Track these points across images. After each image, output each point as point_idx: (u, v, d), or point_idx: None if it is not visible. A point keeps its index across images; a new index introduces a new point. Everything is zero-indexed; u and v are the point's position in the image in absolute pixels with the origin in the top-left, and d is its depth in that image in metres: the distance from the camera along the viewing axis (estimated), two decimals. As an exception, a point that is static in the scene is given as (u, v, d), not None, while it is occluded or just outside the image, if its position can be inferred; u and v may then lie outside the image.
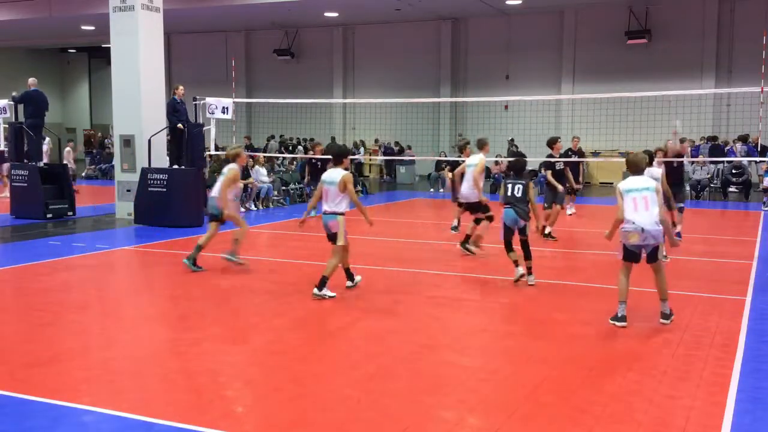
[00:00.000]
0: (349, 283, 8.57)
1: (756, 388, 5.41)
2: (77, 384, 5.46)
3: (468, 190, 11.25)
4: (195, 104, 16.32)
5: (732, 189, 21.12)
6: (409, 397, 5.18)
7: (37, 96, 15.79)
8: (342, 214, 8.09)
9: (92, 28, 29.23)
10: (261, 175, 18.17)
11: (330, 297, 8.02)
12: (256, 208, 17.45)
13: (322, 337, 6.75)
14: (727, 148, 22.59)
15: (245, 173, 17.41)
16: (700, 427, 4.72)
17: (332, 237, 8.15)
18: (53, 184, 15.32)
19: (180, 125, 14.80)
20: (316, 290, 8.00)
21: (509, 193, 8.87)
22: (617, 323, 7.00)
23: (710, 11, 25.14)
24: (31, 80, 15.97)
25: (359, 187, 22.18)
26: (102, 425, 4.70)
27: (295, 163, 22.30)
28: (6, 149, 16.41)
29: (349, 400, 5.14)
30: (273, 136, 29.72)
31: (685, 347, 6.38)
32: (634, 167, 7.28)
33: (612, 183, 24.97)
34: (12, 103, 16.28)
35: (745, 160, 20.00)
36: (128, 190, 14.99)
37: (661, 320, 7.14)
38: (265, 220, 15.67)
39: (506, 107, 26.15)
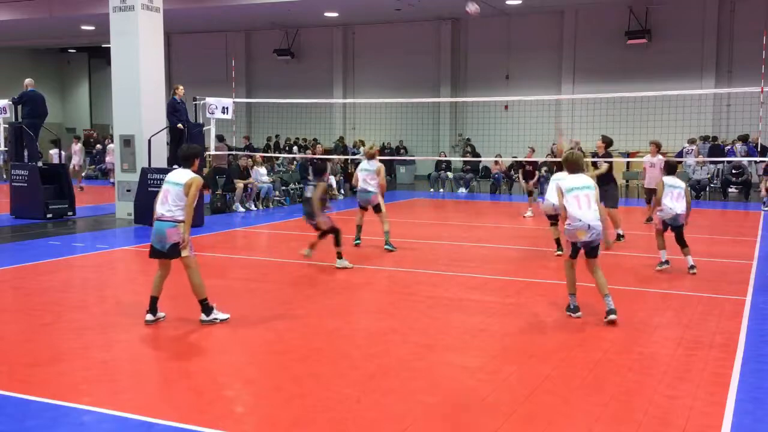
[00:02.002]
0: (202, 317, 7.11)
1: (756, 388, 5.41)
2: (77, 384, 5.46)
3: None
4: (195, 104, 16.33)
5: (732, 189, 21.12)
6: (409, 397, 5.18)
7: (34, 96, 15.79)
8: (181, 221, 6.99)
9: (92, 28, 29.21)
10: (261, 175, 18.18)
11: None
12: (256, 208, 17.46)
13: (322, 337, 6.74)
14: (727, 148, 22.60)
15: (245, 173, 17.43)
16: (700, 427, 4.72)
17: (172, 250, 6.98)
18: (53, 184, 15.33)
19: (180, 125, 14.81)
20: (203, 316, 7.05)
21: None
22: (572, 314, 7.27)
23: (710, 11, 25.14)
24: (28, 80, 15.97)
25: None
26: (102, 425, 4.70)
27: (295, 162, 22.30)
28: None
29: (349, 400, 5.14)
30: (270, 138, 29.73)
31: (685, 347, 6.38)
32: (574, 166, 7.34)
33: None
34: (12, 103, 16.29)
35: (745, 160, 20.00)
36: (128, 190, 14.99)
37: (610, 317, 7.05)
38: (265, 220, 15.67)
39: (506, 107, 26.16)
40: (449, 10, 27.33)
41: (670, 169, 10.11)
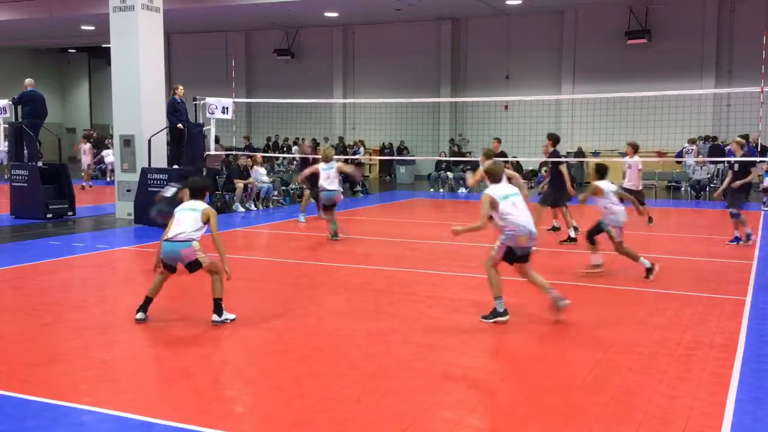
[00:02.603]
0: (214, 317, 7.15)
1: (756, 388, 5.41)
2: (77, 384, 5.46)
3: None
4: (195, 104, 16.33)
5: (732, 189, 21.08)
6: (409, 396, 5.18)
7: (34, 96, 15.80)
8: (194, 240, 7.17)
9: (92, 28, 29.22)
10: (261, 175, 18.18)
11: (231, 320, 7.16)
12: (256, 208, 17.46)
13: (322, 337, 6.74)
14: (728, 148, 22.57)
15: (245, 173, 17.43)
16: (700, 427, 4.72)
17: (195, 264, 7.13)
18: (53, 184, 15.32)
19: (180, 125, 14.81)
20: (215, 317, 7.09)
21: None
22: (500, 319, 7.04)
23: (710, 11, 25.14)
24: (28, 80, 15.97)
25: (359, 187, 22.19)
26: (102, 425, 4.70)
27: (295, 162, 22.30)
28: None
29: (349, 399, 5.14)
30: (270, 137, 29.73)
31: (685, 347, 6.38)
32: (497, 176, 7.30)
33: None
34: (12, 103, 16.28)
35: (745, 160, 19.95)
36: (128, 190, 14.99)
37: (560, 304, 7.07)
38: (265, 220, 15.67)
39: (506, 107, 26.16)
40: (449, 10, 27.34)
41: (603, 172, 9.75)
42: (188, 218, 7.12)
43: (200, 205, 7.27)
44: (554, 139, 13.39)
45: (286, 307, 7.93)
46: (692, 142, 22.25)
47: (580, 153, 25.16)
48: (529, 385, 5.44)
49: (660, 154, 24.04)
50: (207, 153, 16.61)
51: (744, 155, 12.91)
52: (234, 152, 19.19)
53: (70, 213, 15.25)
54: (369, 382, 5.53)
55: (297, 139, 29.87)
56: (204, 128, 16.17)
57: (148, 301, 7.17)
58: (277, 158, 23.29)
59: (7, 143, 16.15)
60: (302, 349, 6.36)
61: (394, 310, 7.75)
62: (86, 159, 24.08)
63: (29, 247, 11.68)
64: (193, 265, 7.12)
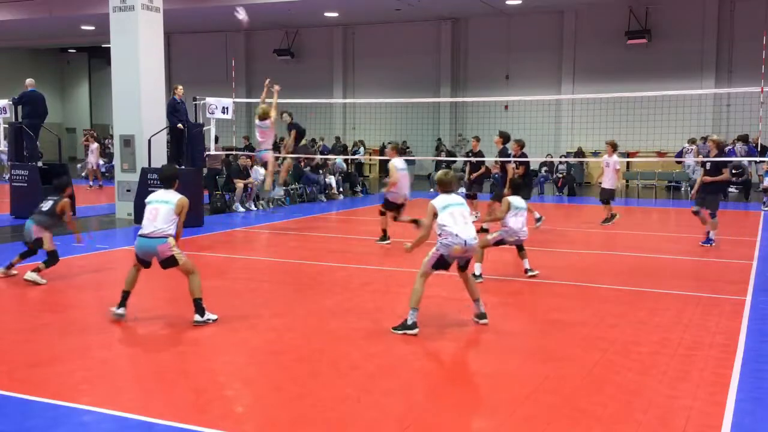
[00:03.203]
0: (121, 310, 7.15)
1: (756, 388, 5.41)
2: (77, 384, 5.46)
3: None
4: (195, 104, 16.33)
5: (732, 189, 21.11)
6: (409, 397, 5.18)
7: (34, 96, 15.79)
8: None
9: (92, 28, 29.23)
10: (260, 175, 18.17)
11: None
12: (256, 208, 17.45)
13: (322, 337, 6.74)
14: (728, 148, 22.57)
15: (245, 173, 17.43)
16: (700, 427, 4.72)
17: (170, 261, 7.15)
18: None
19: (180, 125, 14.80)
20: (197, 317, 7.04)
21: None
22: (408, 332, 6.66)
23: (710, 11, 25.15)
24: (29, 81, 15.97)
25: (359, 187, 22.18)
26: (102, 425, 4.70)
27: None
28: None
29: (349, 399, 5.14)
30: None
31: (685, 347, 6.38)
32: (447, 186, 7.14)
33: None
34: (12, 103, 16.29)
35: (745, 160, 20.00)
36: (128, 190, 14.99)
37: (481, 321, 7.06)
38: (265, 220, 15.67)
39: (506, 107, 26.16)
40: (449, 10, 27.35)
41: (515, 188, 9.70)
42: (162, 212, 7.05)
43: (173, 197, 7.18)
44: (505, 137, 13.73)
45: (286, 307, 7.93)
46: (692, 142, 22.25)
47: (580, 153, 25.18)
48: (529, 385, 5.43)
49: (660, 154, 24.05)
50: (207, 153, 16.62)
51: (745, 155, 12.91)
52: (234, 152, 19.18)
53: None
54: (369, 382, 5.53)
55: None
56: (204, 128, 16.16)
57: (125, 294, 7.16)
58: (277, 158, 23.25)
59: (7, 143, 16.15)
60: (302, 349, 6.36)
61: (394, 310, 7.74)
62: (93, 159, 24.18)
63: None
64: (168, 262, 7.10)
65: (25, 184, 15.09)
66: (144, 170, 14.49)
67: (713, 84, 24.79)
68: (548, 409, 4.99)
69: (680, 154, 22.77)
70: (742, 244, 12.43)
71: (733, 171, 20.72)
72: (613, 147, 14.90)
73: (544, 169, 23.73)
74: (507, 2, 25.15)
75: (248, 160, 17.94)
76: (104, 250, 11.45)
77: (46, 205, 9.06)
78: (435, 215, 6.94)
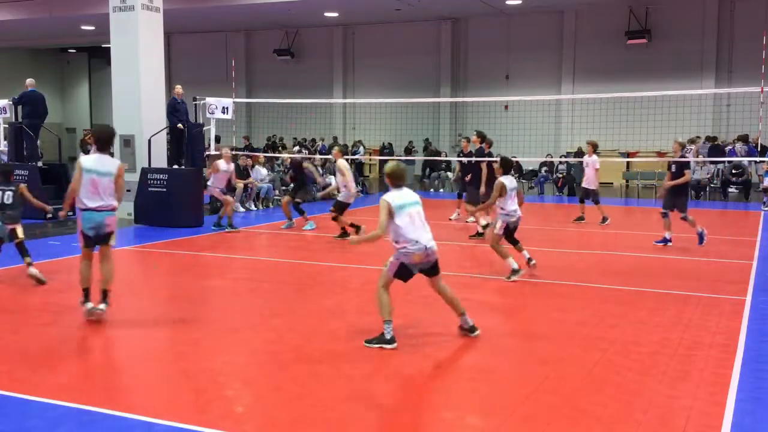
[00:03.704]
0: (102, 306, 7.02)
1: (756, 388, 5.41)
2: (77, 384, 5.46)
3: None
4: (195, 104, 16.33)
5: (732, 189, 21.12)
6: (409, 397, 5.18)
7: (34, 96, 15.79)
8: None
9: (92, 28, 29.22)
10: (261, 175, 18.17)
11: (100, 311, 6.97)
12: (256, 208, 17.45)
13: (322, 337, 6.74)
14: (728, 148, 22.60)
15: (245, 173, 17.42)
16: (700, 427, 4.72)
17: (105, 237, 7.06)
18: (53, 184, 15.31)
19: (180, 125, 14.81)
20: (102, 306, 6.98)
21: None
22: (386, 346, 6.20)
23: (710, 11, 25.15)
24: (29, 81, 15.98)
25: (359, 187, 22.17)
26: (102, 425, 4.70)
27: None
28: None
29: (349, 399, 5.13)
30: (270, 137, 29.70)
31: (685, 347, 6.38)
32: (399, 179, 6.53)
33: (612, 183, 25.02)
34: (12, 103, 16.30)
35: (745, 160, 20.00)
36: (128, 190, 14.95)
37: (472, 335, 6.53)
38: (265, 220, 15.67)
39: (506, 107, 26.16)
40: (449, 10, 27.35)
41: (507, 167, 9.55)
42: (105, 184, 6.95)
43: (112, 165, 7.06)
44: (482, 136, 13.79)
45: (285, 307, 7.93)
46: (692, 141, 22.24)
47: (580, 153, 25.15)
48: (529, 385, 5.43)
49: (660, 154, 24.05)
50: (207, 153, 16.61)
51: (745, 155, 12.95)
52: (234, 152, 19.17)
53: (70, 213, 15.18)
54: (369, 382, 5.53)
55: (297, 139, 29.87)
56: (204, 128, 16.17)
57: (87, 291, 7.09)
58: (276, 158, 23.26)
59: (6, 143, 16.16)
60: (302, 349, 6.35)
61: (393, 310, 7.73)
62: None
63: (29, 247, 11.63)
64: (107, 237, 7.07)
65: (25, 184, 15.06)
66: (144, 170, 14.49)
67: (713, 84, 24.79)
68: (548, 409, 4.99)
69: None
70: (742, 244, 12.44)
71: (733, 171, 20.78)
72: (594, 147, 15.02)
73: (544, 169, 23.73)
74: (507, 2, 25.15)
75: (248, 160, 17.94)
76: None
77: (7, 198, 8.92)
78: (390, 213, 6.31)
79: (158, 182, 14.21)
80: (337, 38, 31.11)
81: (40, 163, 15.74)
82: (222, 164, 13.51)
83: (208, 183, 13.82)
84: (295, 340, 6.62)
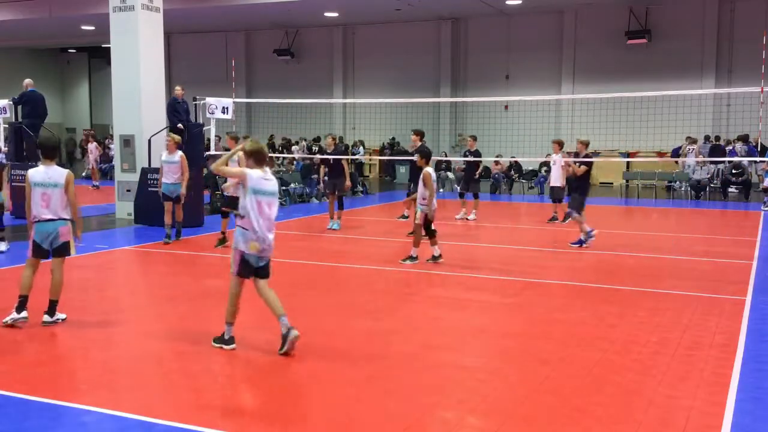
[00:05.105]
0: (24, 314, 6.85)
1: (756, 388, 5.41)
2: (77, 384, 5.46)
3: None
4: (195, 104, 16.33)
5: (732, 189, 21.12)
6: (409, 397, 5.18)
7: (34, 96, 15.79)
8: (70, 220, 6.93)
9: (92, 28, 29.22)
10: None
11: (62, 320, 6.96)
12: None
13: (322, 337, 6.74)
14: (729, 148, 22.59)
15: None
16: (700, 427, 4.72)
17: (62, 248, 6.90)
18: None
19: (180, 125, 14.81)
20: (47, 317, 6.86)
21: None
22: (225, 346, 6.19)
23: (710, 11, 25.15)
24: (27, 81, 15.98)
25: (359, 187, 22.17)
26: (102, 425, 4.70)
27: (294, 163, 22.31)
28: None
29: (349, 400, 5.13)
30: (272, 137, 29.70)
31: (685, 347, 6.38)
32: (261, 158, 6.17)
33: (612, 183, 25.02)
34: (12, 103, 16.30)
35: (745, 160, 20.00)
36: (128, 190, 14.99)
37: (291, 334, 6.07)
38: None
39: (506, 107, 26.16)
40: (449, 10, 27.34)
41: (429, 158, 10.31)
42: (55, 196, 6.79)
43: (59, 176, 6.83)
44: (421, 134, 14.26)
45: (286, 307, 7.90)
46: (693, 141, 22.26)
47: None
48: (529, 385, 5.44)
49: (660, 154, 24.06)
50: (207, 153, 16.63)
51: (745, 155, 13.01)
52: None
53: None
54: (369, 382, 5.53)
55: (300, 139, 29.86)
56: (204, 128, 16.17)
57: (24, 299, 6.86)
58: (277, 158, 23.28)
59: (6, 143, 16.17)
60: (302, 348, 6.35)
61: (394, 310, 7.75)
62: (92, 158, 24.24)
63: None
64: (62, 249, 6.91)
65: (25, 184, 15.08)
66: (144, 170, 14.49)
67: (713, 84, 24.78)
68: (548, 409, 4.99)
69: (677, 152, 22.80)
70: (742, 244, 12.44)
71: (733, 171, 20.78)
72: (560, 145, 15.24)
73: (544, 169, 23.71)
74: (507, 2, 25.15)
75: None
76: (104, 249, 11.45)
77: None
78: (242, 181, 6.07)
79: (158, 182, 14.18)
80: (337, 38, 31.10)
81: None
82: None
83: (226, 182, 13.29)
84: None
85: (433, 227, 10.23)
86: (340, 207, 13.72)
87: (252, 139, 6.61)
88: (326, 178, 14.13)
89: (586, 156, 13.03)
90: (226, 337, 6.26)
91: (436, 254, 10.23)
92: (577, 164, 12.45)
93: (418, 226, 10.14)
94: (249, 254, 6.15)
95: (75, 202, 6.93)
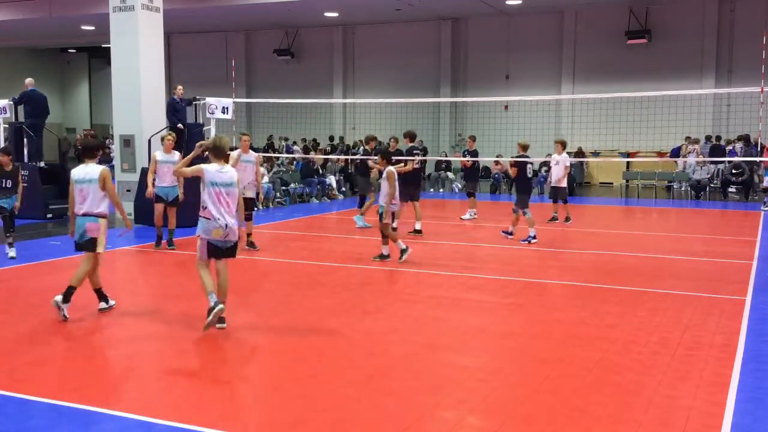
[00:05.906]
0: (103, 305, 7.46)
1: (756, 388, 5.41)
2: (77, 384, 5.46)
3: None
4: (195, 104, 16.33)
5: (732, 189, 21.12)
6: (409, 397, 5.18)
7: (35, 96, 15.79)
8: (104, 216, 7.24)
9: (92, 28, 29.22)
10: (261, 175, 18.15)
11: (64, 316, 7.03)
12: (256, 209, 17.42)
13: (322, 337, 6.74)
14: (729, 148, 22.59)
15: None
16: (700, 427, 4.72)
17: (88, 244, 7.17)
18: (53, 184, 15.32)
19: (180, 125, 14.81)
20: (59, 297, 7.05)
21: None
22: (213, 314, 6.56)
23: (710, 11, 25.14)
24: (28, 80, 15.98)
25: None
26: (102, 425, 4.70)
27: (294, 162, 22.31)
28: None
29: (349, 400, 5.14)
30: (271, 137, 29.69)
31: (685, 347, 6.38)
32: (221, 153, 6.98)
33: (612, 183, 25.02)
34: (12, 103, 16.30)
35: (745, 160, 19.99)
36: (128, 190, 14.99)
37: (218, 326, 6.65)
38: (265, 220, 15.66)
39: (506, 107, 26.16)
40: (449, 10, 27.33)
41: (389, 157, 10.53)
42: (91, 192, 7.12)
43: (94, 172, 7.17)
44: (411, 135, 14.41)
45: (286, 307, 7.93)
46: (695, 141, 22.25)
47: (580, 153, 25.18)
48: (529, 385, 5.44)
49: (660, 154, 24.06)
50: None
51: (746, 154, 13.05)
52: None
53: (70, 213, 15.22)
54: (369, 382, 5.53)
55: (300, 140, 29.85)
56: (204, 128, 16.17)
57: (97, 292, 7.39)
58: (277, 158, 23.28)
59: (7, 143, 16.16)
60: (302, 349, 6.36)
61: (394, 310, 7.75)
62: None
63: (29, 247, 11.68)
64: (88, 244, 7.15)
65: (26, 184, 15.06)
66: (144, 170, 14.48)
67: (713, 84, 24.78)
68: (548, 409, 4.99)
69: (676, 152, 22.78)
70: (742, 244, 12.44)
71: (733, 171, 20.77)
72: (563, 145, 15.20)
73: (544, 169, 23.70)
74: (507, 2, 25.15)
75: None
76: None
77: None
78: (200, 177, 6.82)
79: (147, 182, 14.18)
80: (337, 38, 31.10)
81: (41, 164, 15.73)
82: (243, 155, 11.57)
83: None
84: (294, 340, 6.62)
85: (394, 226, 10.52)
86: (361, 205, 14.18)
87: (221, 137, 7.23)
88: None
89: (523, 157, 13.23)
90: (212, 304, 6.57)
91: (385, 253, 10.45)
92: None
93: (386, 225, 10.30)
94: (214, 240, 6.70)
95: (113, 195, 7.28)
